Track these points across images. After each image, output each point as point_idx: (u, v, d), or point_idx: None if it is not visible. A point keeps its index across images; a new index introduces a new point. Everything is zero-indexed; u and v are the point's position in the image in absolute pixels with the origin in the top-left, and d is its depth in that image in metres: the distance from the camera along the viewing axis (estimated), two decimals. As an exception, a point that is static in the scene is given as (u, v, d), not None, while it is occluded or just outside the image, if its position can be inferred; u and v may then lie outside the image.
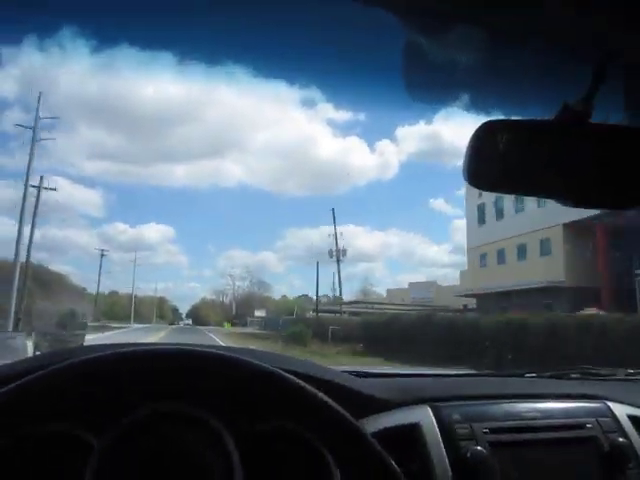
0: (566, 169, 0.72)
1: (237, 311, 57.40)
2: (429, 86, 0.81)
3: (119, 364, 0.71)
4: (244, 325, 48.49)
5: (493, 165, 0.72)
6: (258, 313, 49.67)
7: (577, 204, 0.77)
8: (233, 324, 51.45)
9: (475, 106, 0.82)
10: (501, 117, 0.79)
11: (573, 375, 1.42)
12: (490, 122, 0.73)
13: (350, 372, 1.24)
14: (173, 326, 48.58)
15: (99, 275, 43.27)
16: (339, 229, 41.31)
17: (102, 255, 42.39)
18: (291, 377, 0.71)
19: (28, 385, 0.68)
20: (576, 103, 0.70)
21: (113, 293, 57.05)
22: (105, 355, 0.71)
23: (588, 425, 1.10)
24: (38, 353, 4.18)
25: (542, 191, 0.76)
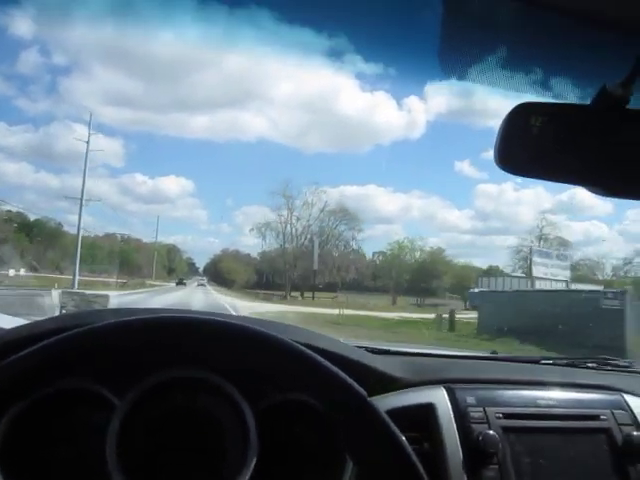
0: (600, 156, 0.70)
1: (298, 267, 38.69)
2: (464, 49, 0.78)
3: (145, 330, 0.72)
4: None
5: (525, 148, 0.71)
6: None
7: (608, 193, 0.75)
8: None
9: (508, 80, 0.79)
10: (535, 96, 0.76)
11: (590, 364, 1.40)
12: (524, 104, 0.71)
13: (366, 348, 1.24)
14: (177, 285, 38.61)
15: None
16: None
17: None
18: (308, 351, 0.72)
19: (59, 343, 0.70)
20: (615, 88, 0.68)
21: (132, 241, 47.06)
22: (134, 320, 0.73)
23: (603, 417, 1.09)
24: (64, 312, 4.29)
25: (574, 178, 0.74)
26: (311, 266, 37.88)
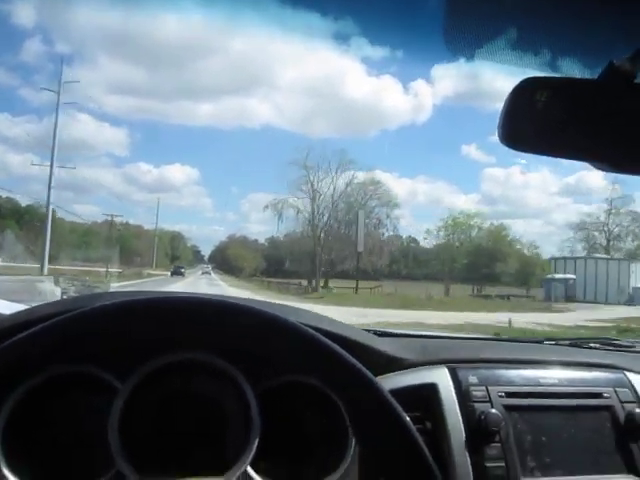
0: (607, 131, 0.69)
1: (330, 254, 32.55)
2: (471, 28, 0.77)
3: (146, 311, 0.71)
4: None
5: (530, 124, 0.70)
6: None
7: (615, 168, 0.75)
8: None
9: (515, 59, 0.78)
10: (541, 74, 0.75)
11: (593, 344, 1.41)
12: (529, 79, 0.70)
13: (369, 330, 1.25)
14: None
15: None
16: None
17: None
18: (311, 331, 0.72)
19: (59, 325, 0.69)
20: (622, 62, 0.67)
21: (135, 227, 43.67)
22: (134, 300, 0.72)
23: (605, 394, 1.10)
24: (65, 297, 4.30)
25: (579, 154, 0.74)
26: (344, 248, 31.75)
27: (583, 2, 0.71)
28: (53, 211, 33.83)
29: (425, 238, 35.72)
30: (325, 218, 33.38)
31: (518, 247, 33.85)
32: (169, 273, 36.27)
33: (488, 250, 32.48)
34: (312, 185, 33.20)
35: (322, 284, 30.98)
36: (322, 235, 32.97)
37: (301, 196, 33.71)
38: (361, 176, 33.48)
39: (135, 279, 27.07)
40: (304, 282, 32.07)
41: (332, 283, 30.88)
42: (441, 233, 33.70)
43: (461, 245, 33.30)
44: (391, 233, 35.55)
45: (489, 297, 26.14)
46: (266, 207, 35.64)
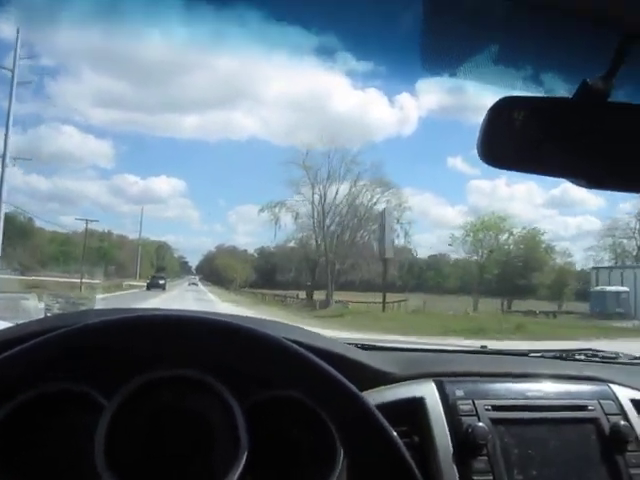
0: (582, 148, 0.71)
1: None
2: (448, 47, 0.78)
3: (131, 328, 0.71)
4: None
5: (508, 141, 0.71)
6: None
7: (591, 185, 0.76)
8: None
9: (493, 77, 0.80)
10: (519, 92, 0.77)
11: (577, 357, 1.42)
12: (507, 98, 0.72)
13: (355, 344, 1.25)
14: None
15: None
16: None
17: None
18: (296, 347, 0.72)
19: (43, 344, 0.69)
20: (596, 81, 0.69)
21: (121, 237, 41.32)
22: (119, 318, 0.72)
23: (590, 407, 1.10)
24: (49, 315, 4.25)
25: (557, 170, 0.75)
26: (350, 256, 27.51)
27: (558, 23, 0.72)
28: (30, 219, 33.17)
29: (450, 244, 30.24)
30: (328, 222, 29.28)
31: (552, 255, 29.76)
32: (147, 286, 30.39)
33: (521, 258, 28.30)
34: (313, 186, 29.49)
35: (325, 295, 27.26)
36: (326, 242, 28.96)
37: (300, 199, 30.05)
38: (366, 177, 29.84)
39: (114, 291, 24.72)
40: (302, 294, 29.19)
41: (337, 296, 26.99)
42: (468, 239, 28.63)
43: (490, 253, 28.43)
44: (402, 240, 30.68)
45: (531, 314, 22.44)
46: (261, 210, 32.23)
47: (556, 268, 28.30)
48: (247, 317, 1.37)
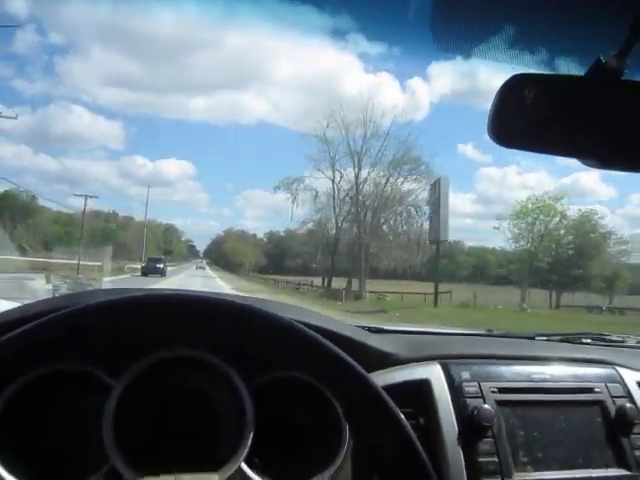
0: (594, 128, 0.70)
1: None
2: (461, 27, 0.77)
3: (139, 308, 0.72)
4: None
5: (518, 120, 0.71)
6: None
7: (602, 165, 0.75)
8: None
9: (505, 57, 0.79)
10: (530, 70, 0.76)
11: (584, 340, 1.42)
12: (518, 75, 0.71)
13: (363, 327, 1.26)
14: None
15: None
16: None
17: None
18: (304, 328, 0.72)
19: (50, 323, 0.69)
20: (609, 59, 0.68)
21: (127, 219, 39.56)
22: (127, 297, 0.72)
23: (596, 389, 1.11)
24: (57, 295, 4.27)
25: (568, 150, 0.74)
26: (376, 241, 23.81)
27: (571, 1, 0.71)
28: (33, 197, 31.88)
29: (496, 227, 25.60)
30: (361, 198, 25.14)
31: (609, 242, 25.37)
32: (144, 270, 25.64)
33: (574, 245, 24.56)
34: (333, 162, 25.95)
35: (346, 283, 23.85)
36: (344, 225, 25.45)
37: (319, 176, 26.50)
38: (392, 151, 26.07)
39: (117, 274, 22.48)
40: (316, 281, 26.42)
41: (357, 283, 23.92)
42: (519, 222, 24.08)
43: (541, 239, 24.14)
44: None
45: (595, 309, 19.65)
46: (277, 187, 29.00)
47: (612, 257, 24.63)
48: (256, 298, 1.37)
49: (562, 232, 25.01)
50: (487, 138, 0.71)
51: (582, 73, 0.70)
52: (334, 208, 26.13)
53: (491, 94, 0.70)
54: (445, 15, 0.76)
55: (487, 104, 0.71)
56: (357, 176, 25.01)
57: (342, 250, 25.86)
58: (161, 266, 26.08)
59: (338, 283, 25.16)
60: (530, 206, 23.90)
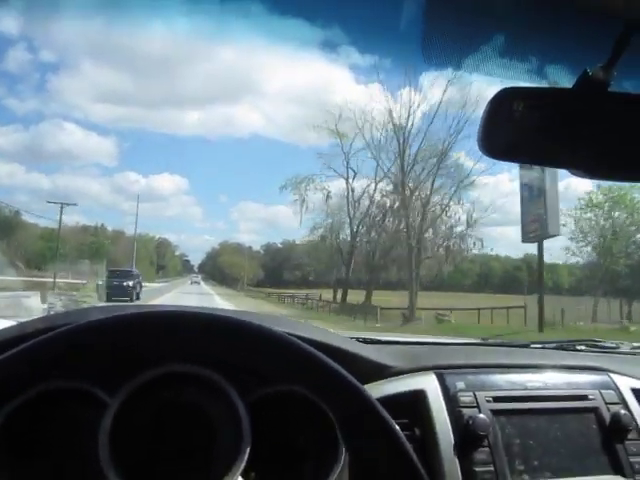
0: (582, 139, 0.71)
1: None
2: (450, 40, 0.79)
3: (137, 325, 0.72)
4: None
5: (508, 133, 0.72)
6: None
7: (590, 175, 0.76)
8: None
9: (494, 69, 0.80)
10: (519, 83, 0.77)
11: (578, 347, 1.43)
12: (507, 89, 0.72)
13: (357, 338, 1.26)
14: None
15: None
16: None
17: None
18: (298, 341, 0.72)
19: (45, 343, 0.69)
20: (596, 71, 0.69)
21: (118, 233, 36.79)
22: (122, 315, 0.72)
23: (591, 396, 1.11)
24: (52, 313, 4.26)
25: (556, 161, 0.76)
26: (397, 247, 19.97)
27: (559, 13, 0.72)
28: (16, 213, 30.15)
29: (563, 224, 19.80)
30: (367, 204, 21.23)
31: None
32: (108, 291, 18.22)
33: None
34: (347, 158, 22.17)
35: (367, 293, 20.43)
36: (362, 229, 21.50)
37: (331, 175, 22.59)
38: (415, 144, 22.07)
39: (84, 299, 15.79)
40: (326, 294, 23.13)
41: (378, 296, 21.30)
42: (590, 216, 19.11)
43: (615, 238, 19.46)
44: (464, 227, 22.30)
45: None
46: (283, 187, 25.74)
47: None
48: (249, 312, 1.37)
49: (633, 228, 20.22)
50: (477, 147, 0.72)
51: (570, 84, 0.72)
52: (348, 211, 22.85)
53: (481, 103, 0.71)
54: (435, 28, 0.77)
55: (477, 112, 0.72)
56: (401, 156, 20.70)
57: (357, 259, 22.62)
58: (128, 284, 17.98)
59: (351, 296, 22.37)
60: (600, 197, 19.74)
